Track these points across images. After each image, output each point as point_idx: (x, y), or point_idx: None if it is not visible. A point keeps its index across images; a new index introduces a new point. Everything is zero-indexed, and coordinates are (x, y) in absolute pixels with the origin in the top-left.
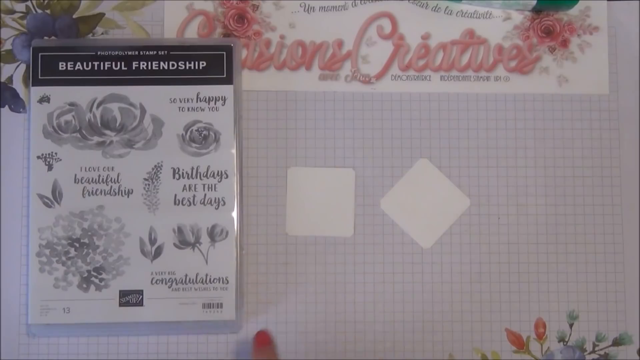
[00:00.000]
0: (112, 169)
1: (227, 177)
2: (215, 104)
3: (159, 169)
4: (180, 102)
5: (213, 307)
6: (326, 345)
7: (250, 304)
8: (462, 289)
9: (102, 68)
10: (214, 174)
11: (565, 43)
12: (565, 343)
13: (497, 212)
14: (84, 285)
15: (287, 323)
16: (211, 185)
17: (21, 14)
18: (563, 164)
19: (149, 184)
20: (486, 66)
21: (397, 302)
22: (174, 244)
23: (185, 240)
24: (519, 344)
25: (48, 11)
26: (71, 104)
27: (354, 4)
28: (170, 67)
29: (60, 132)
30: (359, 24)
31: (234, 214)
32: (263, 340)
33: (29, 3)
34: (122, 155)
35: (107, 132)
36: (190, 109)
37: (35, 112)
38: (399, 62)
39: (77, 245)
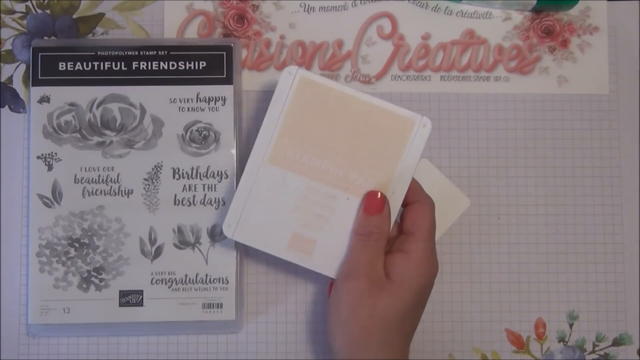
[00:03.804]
0: (112, 169)
1: (227, 177)
2: (215, 104)
3: (159, 169)
4: (180, 102)
5: (213, 307)
6: (326, 346)
7: (250, 304)
8: (462, 289)
9: (102, 68)
10: (214, 174)
11: (565, 43)
12: (565, 343)
13: (497, 212)
14: (84, 286)
15: (287, 323)
16: (211, 185)
17: (21, 14)
18: (563, 164)
19: (149, 184)
20: (486, 66)
21: None
22: (174, 244)
23: (185, 240)
24: (519, 344)
25: (48, 11)
26: (71, 104)
27: (354, 4)
28: (170, 67)
29: (60, 132)
30: (359, 24)
31: None
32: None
33: (29, 3)
34: (122, 155)
35: (107, 132)
36: (190, 109)
37: (35, 112)
38: (399, 62)
39: (77, 245)
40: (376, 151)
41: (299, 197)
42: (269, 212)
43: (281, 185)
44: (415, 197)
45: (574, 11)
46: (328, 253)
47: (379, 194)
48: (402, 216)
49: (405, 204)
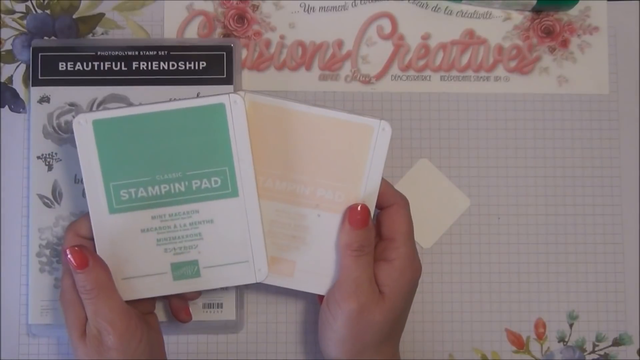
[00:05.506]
0: None
1: None
2: None
3: None
4: None
5: (213, 307)
6: None
7: (250, 304)
8: (462, 289)
9: (102, 68)
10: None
11: (565, 43)
12: (565, 343)
13: (497, 212)
14: None
15: (287, 323)
16: None
17: (21, 14)
18: (563, 164)
19: None
20: (486, 66)
21: None
22: None
23: None
24: (519, 344)
25: (48, 11)
26: (71, 104)
27: (354, 4)
28: (170, 67)
29: (60, 132)
30: (359, 24)
31: None
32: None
33: (29, 3)
34: None
35: None
36: None
37: (35, 112)
38: (399, 62)
39: None
40: (339, 163)
41: (269, 222)
42: None
43: None
44: (389, 200)
45: (574, 11)
46: (310, 271)
47: (361, 206)
48: (378, 220)
49: (380, 207)
